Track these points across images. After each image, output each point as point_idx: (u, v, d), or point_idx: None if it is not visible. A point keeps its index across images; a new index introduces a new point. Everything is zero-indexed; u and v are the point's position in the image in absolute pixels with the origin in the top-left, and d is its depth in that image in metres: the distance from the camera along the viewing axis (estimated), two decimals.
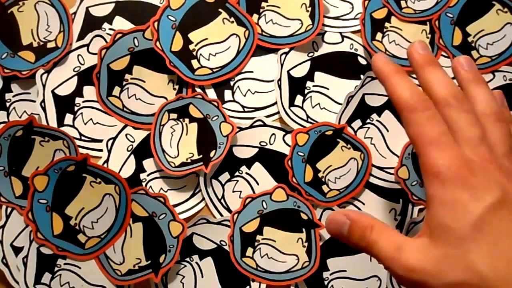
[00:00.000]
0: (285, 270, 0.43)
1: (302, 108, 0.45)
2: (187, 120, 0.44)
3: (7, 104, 0.44)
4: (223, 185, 0.44)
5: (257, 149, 0.44)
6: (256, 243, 0.43)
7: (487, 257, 0.25)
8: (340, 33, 0.46)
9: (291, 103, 0.44)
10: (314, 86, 0.45)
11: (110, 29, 0.44)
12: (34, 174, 0.41)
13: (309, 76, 0.45)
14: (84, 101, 0.44)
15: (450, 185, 0.26)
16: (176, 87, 0.44)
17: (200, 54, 0.44)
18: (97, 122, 0.44)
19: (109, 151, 0.44)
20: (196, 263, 0.43)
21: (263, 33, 0.45)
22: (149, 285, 0.43)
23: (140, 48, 0.44)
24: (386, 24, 0.45)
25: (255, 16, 0.45)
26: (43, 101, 0.43)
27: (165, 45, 0.43)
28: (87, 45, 0.44)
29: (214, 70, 0.44)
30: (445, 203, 0.26)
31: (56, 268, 0.42)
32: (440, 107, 0.29)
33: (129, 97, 0.44)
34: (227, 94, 0.45)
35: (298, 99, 0.45)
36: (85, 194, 0.42)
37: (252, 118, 0.44)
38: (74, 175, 0.42)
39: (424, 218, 0.28)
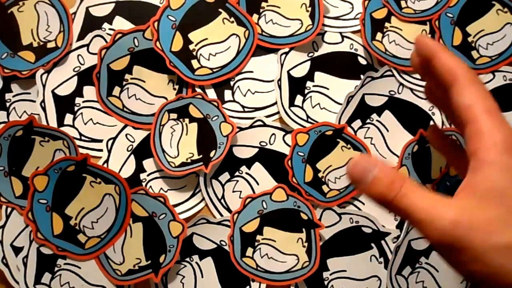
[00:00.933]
0: (285, 270, 0.43)
1: (302, 108, 0.45)
2: (187, 120, 0.44)
3: (7, 104, 0.44)
4: (223, 185, 0.44)
5: (257, 149, 0.44)
6: (256, 243, 0.43)
7: None
8: (340, 33, 0.46)
9: (291, 103, 0.44)
10: (314, 86, 0.45)
11: (110, 29, 0.44)
12: (34, 174, 0.41)
13: (309, 76, 0.45)
14: (84, 101, 0.44)
15: (508, 153, 0.26)
16: (176, 87, 0.44)
17: (200, 54, 0.44)
18: (97, 122, 0.44)
19: (109, 151, 0.44)
20: (196, 263, 0.43)
21: (263, 33, 0.45)
22: (149, 285, 0.43)
23: (140, 48, 0.44)
24: (386, 24, 0.45)
25: (255, 16, 0.45)
26: (43, 101, 0.43)
27: (165, 45, 0.43)
28: (87, 45, 0.44)
29: (214, 70, 0.44)
30: (503, 168, 0.26)
31: (56, 268, 0.42)
32: None
33: (129, 97, 0.44)
34: (227, 94, 0.45)
35: (298, 99, 0.45)
36: (85, 194, 0.42)
37: (252, 118, 0.44)
38: (74, 175, 0.42)
39: (467, 182, 0.27)
